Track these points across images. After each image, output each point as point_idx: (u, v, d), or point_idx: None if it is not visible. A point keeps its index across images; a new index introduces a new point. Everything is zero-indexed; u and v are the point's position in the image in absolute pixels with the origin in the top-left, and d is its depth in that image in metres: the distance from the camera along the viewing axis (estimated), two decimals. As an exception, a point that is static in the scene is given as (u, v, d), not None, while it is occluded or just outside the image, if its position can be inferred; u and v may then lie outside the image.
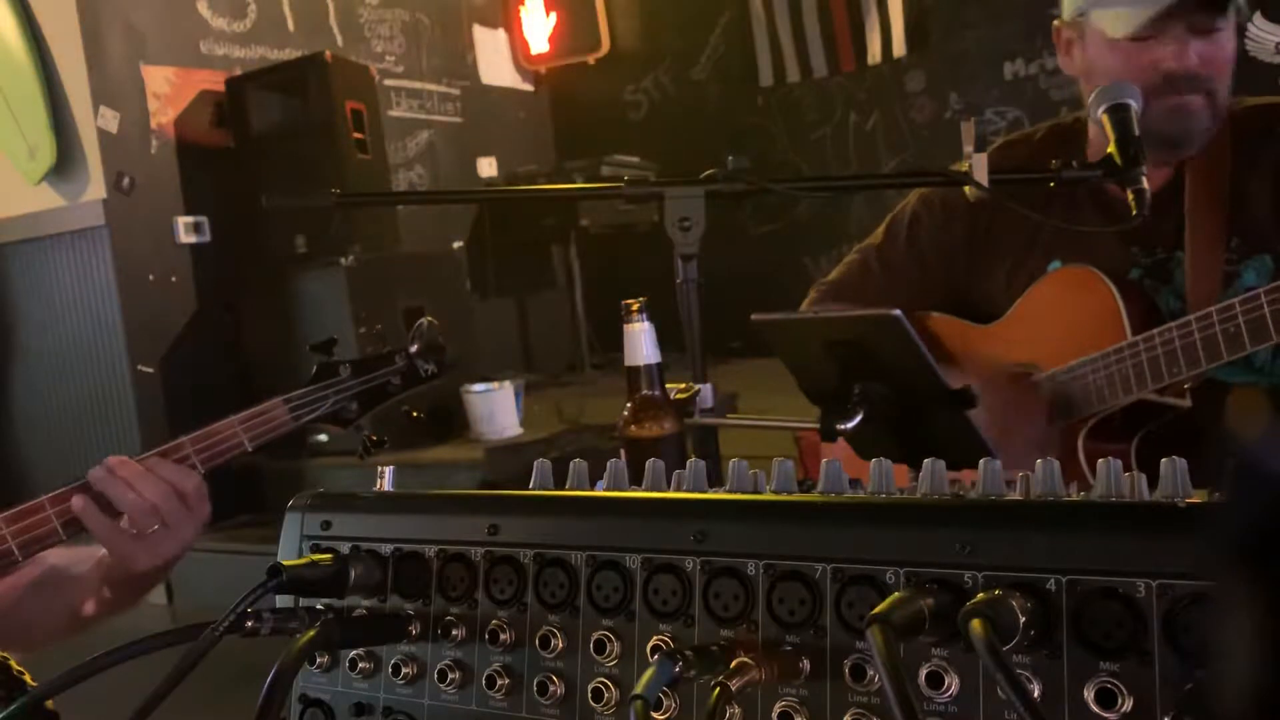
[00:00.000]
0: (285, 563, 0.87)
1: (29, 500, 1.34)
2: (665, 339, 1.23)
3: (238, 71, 5.31)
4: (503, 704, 0.84)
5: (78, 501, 1.32)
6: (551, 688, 0.81)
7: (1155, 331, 1.53)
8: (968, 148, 1.39)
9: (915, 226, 1.89)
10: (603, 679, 0.79)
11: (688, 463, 0.87)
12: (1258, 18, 5.02)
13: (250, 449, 1.43)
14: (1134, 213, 1.36)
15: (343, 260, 4.75)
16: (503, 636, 0.84)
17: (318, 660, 0.92)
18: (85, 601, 1.41)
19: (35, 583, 1.42)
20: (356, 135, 5.08)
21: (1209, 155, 1.66)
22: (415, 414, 1.58)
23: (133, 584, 1.39)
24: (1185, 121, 1.62)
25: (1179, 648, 0.63)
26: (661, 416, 1.21)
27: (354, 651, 0.90)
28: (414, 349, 1.50)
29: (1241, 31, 4.98)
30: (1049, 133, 1.87)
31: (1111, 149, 1.41)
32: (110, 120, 4.86)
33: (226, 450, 1.41)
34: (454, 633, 0.86)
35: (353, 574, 0.89)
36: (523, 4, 7.18)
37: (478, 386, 4.71)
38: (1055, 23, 1.76)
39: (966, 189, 1.41)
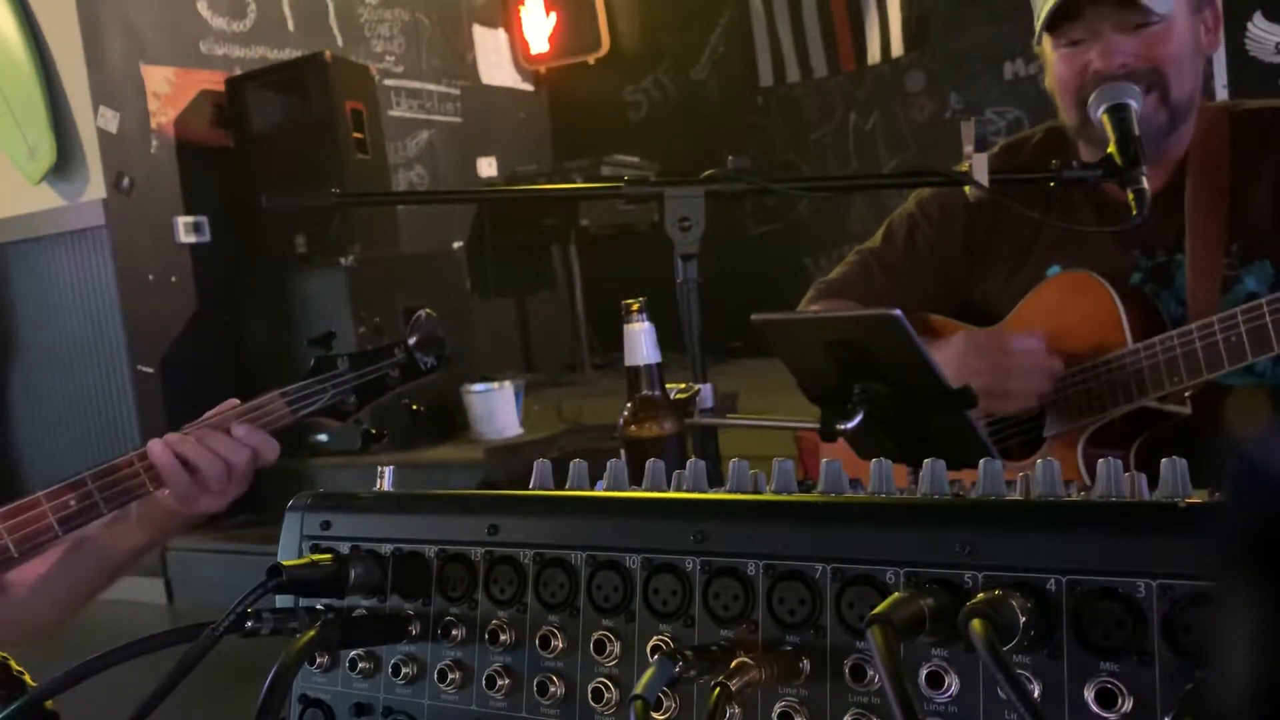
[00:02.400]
0: (285, 563, 0.87)
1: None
2: (665, 339, 1.23)
3: (238, 71, 5.31)
4: (503, 704, 0.84)
5: (162, 457, 1.36)
6: (551, 688, 0.81)
7: (1156, 339, 1.52)
8: (968, 148, 1.39)
9: (914, 231, 1.88)
10: (603, 679, 0.79)
11: (688, 463, 0.87)
12: (1258, 17, 5.01)
13: None
14: (1134, 213, 1.35)
15: (343, 260, 4.75)
16: (503, 636, 0.84)
17: (318, 660, 0.92)
18: (115, 553, 1.44)
19: (62, 557, 1.43)
20: (356, 135, 5.08)
21: (1209, 157, 1.65)
22: (415, 407, 1.58)
23: (171, 528, 1.44)
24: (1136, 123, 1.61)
25: (1179, 648, 0.63)
26: (661, 416, 1.21)
27: (354, 651, 0.90)
28: (412, 341, 1.50)
29: (1240, 29, 4.99)
30: (1047, 134, 1.87)
31: (1111, 149, 1.40)
32: (110, 120, 4.85)
33: None
34: (454, 633, 0.86)
35: (352, 574, 0.89)
36: (523, 4, 7.18)
37: (478, 386, 4.71)
38: (1036, 46, 1.77)
39: (966, 189, 1.41)
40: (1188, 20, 1.61)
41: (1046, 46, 1.68)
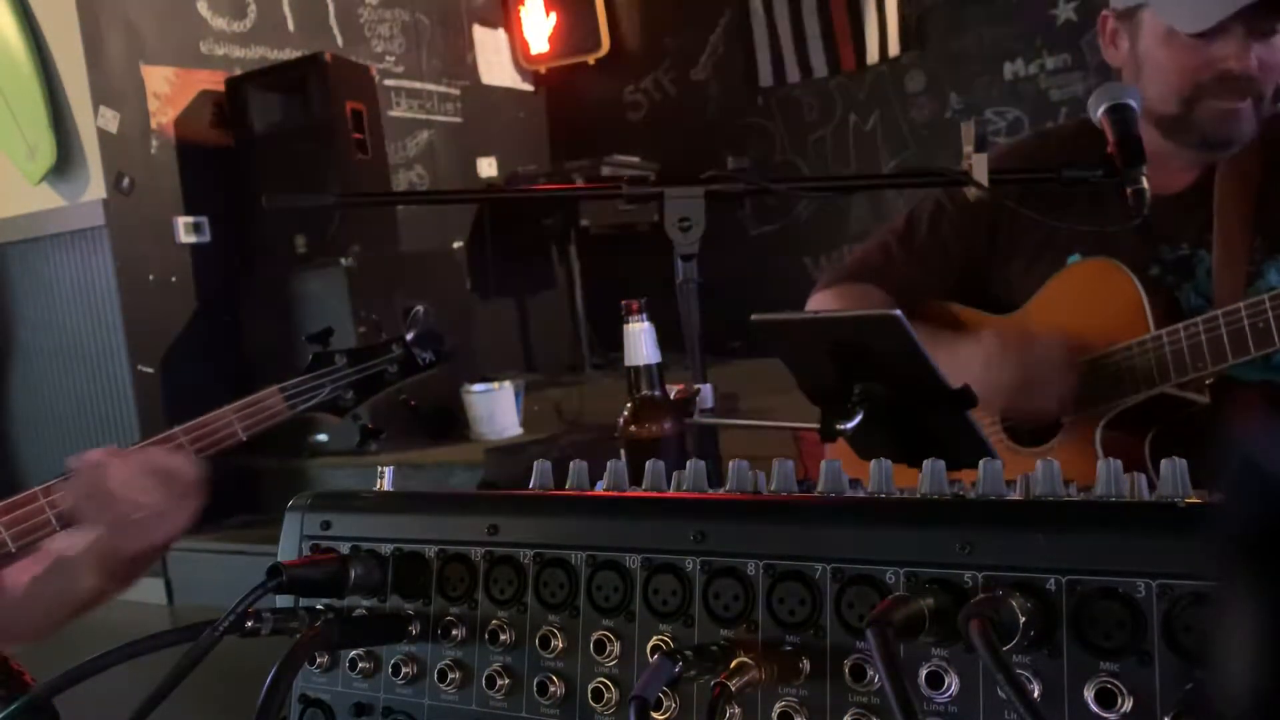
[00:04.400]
0: (285, 563, 0.87)
1: None
2: (665, 339, 1.23)
3: (238, 71, 5.31)
4: (503, 704, 0.84)
5: (66, 490, 1.31)
6: (551, 688, 0.81)
7: (1180, 325, 1.53)
8: (968, 148, 1.39)
9: (938, 215, 1.88)
10: (603, 679, 0.79)
11: (688, 463, 0.87)
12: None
13: (244, 438, 1.42)
14: (1135, 212, 1.35)
15: (343, 260, 4.75)
16: (503, 636, 0.84)
17: (318, 660, 0.92)
18: (82, 583, 1.40)
19: (40, 575, 1.42)
20: (356, 135, 5.08)
21: (1239, 155, 1.67)
22: (413, 403, 1.57)
23: (123, 568, 1.38)
24: (1233, 126, 1.62)
25: (1179, 648, 0.63)
26: (661, 416, 1.21)
27: (354, 651, 0.90)
28: (410, 337, 1.50)
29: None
30: (1078, 127, 1.86)
31: (1111, 149, 1.40)
32: (110, 120, 4.85)
33: (220, 440, 1.40)
34: (454, 633, 0.86)
35: (353, 574, 0.89)
36: (523, 4, 7.18)
37: (478, 386, 4.71)
38: (1104, 11, 1.75)
39: (967, 190, 1.41)
40: None
41: (1143, 23, 1.65)
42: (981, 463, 0.77)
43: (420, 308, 1.52)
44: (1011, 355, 1.62)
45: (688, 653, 0.71)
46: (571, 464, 0.91)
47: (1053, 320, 1.71)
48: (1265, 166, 1.67)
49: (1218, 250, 1.65)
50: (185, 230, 5.10)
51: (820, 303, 1.89)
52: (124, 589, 1.42)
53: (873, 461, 0.81)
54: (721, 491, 0.84)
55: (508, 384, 4.80)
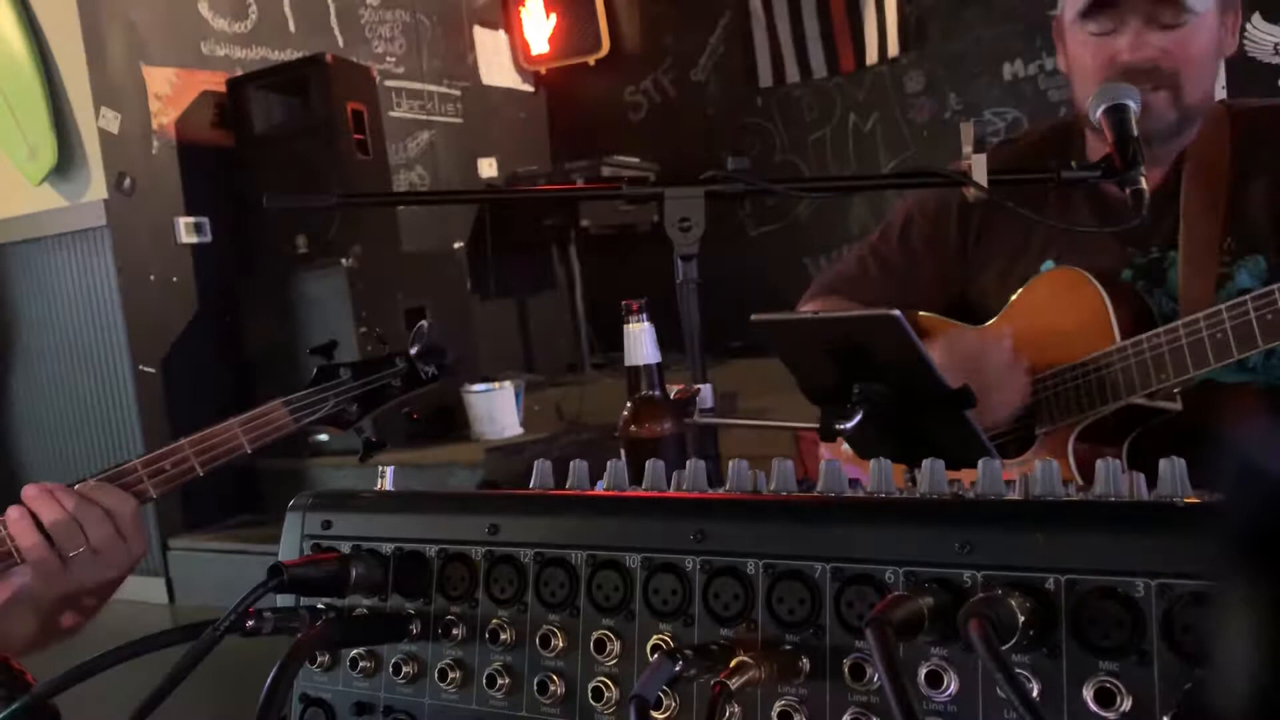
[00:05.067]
0: (286, 562, 0.87)
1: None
2: (665, 339, 1.23)
3: (239, 72, 5.31)
4: (503, 703, 0.84)
5: (13, 512, 1.30)
6: (551, 687, 0.81)
7: (1143, 337, 1.52)
8: (967, 148, 1.39)
9: (908, 227, 1.89)
10: (603, 679, 0.79)
11: (688, 463, 0.87)
12: (1256, 18, 5.02)
13: (250, 451, 1.44)
14: (1133, 213, 1.35)
15: (343, 260, 4.75)
16: (503, 636, 0.84)
17: (318, 660, 0.92)
18: (21, 627, 1.36)
19: (5, 605, 1.39)
20: (357, 136, 5.08)
21: (1207, 155, 1.66)
22: (414, 415, 1.59)
23: (57, 609, 1.36)
24: (1146, 119, 1.60)
25: (1178, 647, 0.63)
26: (661, 416, 1.21)
27: (355, 650, 0.90)
28: (414, 351, 1.51)
29: (1241, 30, 4.98)
30: (1049, 131, 1.87)
31: (1110, 149, 1.40)
32: (111, 121, 4.86)
33: (226, 452, 1.42)
34: (454, 632, 0.86)
35: (353, 573, 0.89)
36: (523, 5, 7.18)
37: (478, 386, 4.71)
38: (1053, 20, 1.77)
39: (966, 190, 1.41)
40: (1215, 21, 1.62)
41: (1069, 28, 1.68)
42: (981, 463, 0.77)
43: (424, 322, 1.53)
44: (958, 363, 1.60)
45: (688, 652, 0.71)
46: (571, 464, 0.91)
47: (1019, 331, 1.70)
48: (1235, 166, 1.65)
49: (1185, 252, 1.63)
50: (186, 230, 5.10)
51: None
52: (70, 631, 1.39)
53: (872, 461, 0.81)
54: (721, 491, 0.84)
55: (508, 384, 4.80)
